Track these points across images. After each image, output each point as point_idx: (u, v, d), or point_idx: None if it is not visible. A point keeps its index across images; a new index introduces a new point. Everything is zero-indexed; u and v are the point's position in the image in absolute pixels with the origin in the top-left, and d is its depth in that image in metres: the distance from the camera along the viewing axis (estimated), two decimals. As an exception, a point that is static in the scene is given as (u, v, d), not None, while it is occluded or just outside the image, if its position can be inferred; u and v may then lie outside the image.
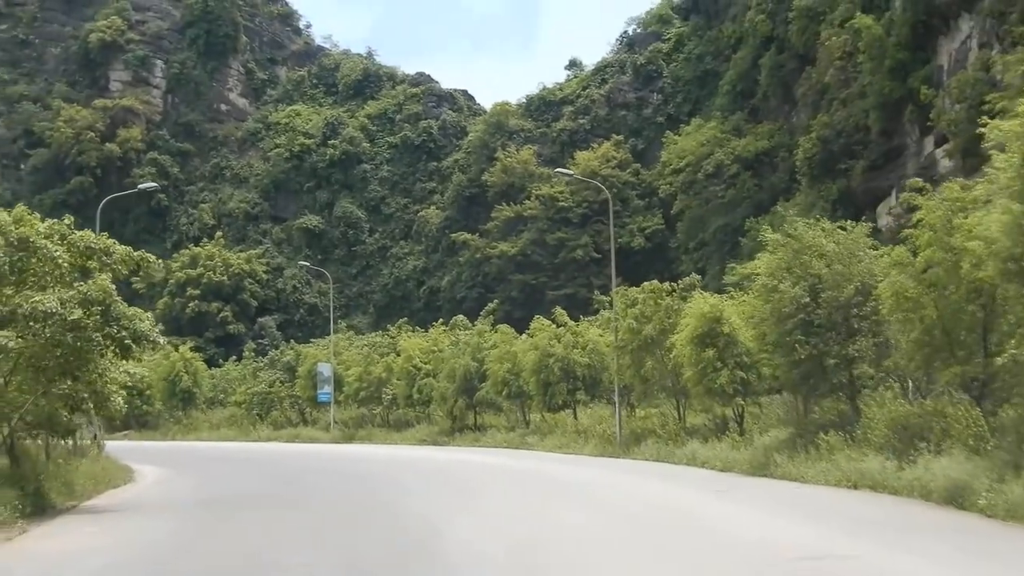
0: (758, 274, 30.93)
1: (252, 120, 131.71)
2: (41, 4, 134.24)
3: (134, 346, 24.89)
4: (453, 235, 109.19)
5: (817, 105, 75.62)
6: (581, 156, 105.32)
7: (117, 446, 58.63)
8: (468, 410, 57.58)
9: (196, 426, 77.24)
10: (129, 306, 27.11)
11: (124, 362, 27.21)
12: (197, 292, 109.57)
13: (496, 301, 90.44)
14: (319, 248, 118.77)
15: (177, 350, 79.55)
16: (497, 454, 46.63)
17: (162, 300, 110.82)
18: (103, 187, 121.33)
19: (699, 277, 54.48)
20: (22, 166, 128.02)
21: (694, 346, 35.02)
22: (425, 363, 60.47)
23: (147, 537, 20.56)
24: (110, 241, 26.25)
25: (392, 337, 72.09)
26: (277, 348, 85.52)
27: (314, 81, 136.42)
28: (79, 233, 25.38)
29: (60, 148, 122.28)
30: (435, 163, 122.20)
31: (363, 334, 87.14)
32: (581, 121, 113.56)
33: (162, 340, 27.14)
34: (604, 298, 62.32)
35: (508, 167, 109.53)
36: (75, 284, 24.29)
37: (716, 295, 38.37)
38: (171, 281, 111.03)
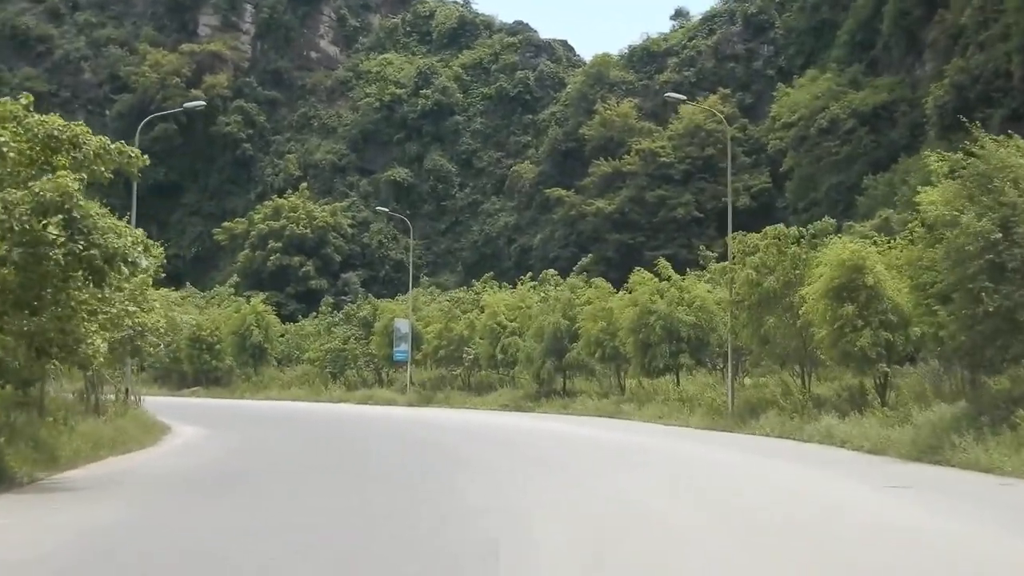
0: (920, 209, 24.36)
1: (342, 68, 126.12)
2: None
3: (107, 268, 18.65)
4: (547, 191, 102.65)
5: (949, 51, 68.61)
6: (685, 110, 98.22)
7: (176, 403, 54.51)
8: (556, 373, 51.49)
9: (267, 384, 72.03)
10: (131, 226, 21.44)
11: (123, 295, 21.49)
12: (279, 245, 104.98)
13: (590, 256, 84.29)
14: (407, 202, 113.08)
15: (249, 302, 74.60)
16: (588, 424, 40.63)
17: (243, 252, 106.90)
18: (188, 135, 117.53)
19: (832, 221, 47.36)
20: (107, 112, 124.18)
21: (829, 301, 28.60)
22: (511, 321, 54.52)
23: (67, 535, 14.10)
24: (80, 128, 20.10)
25: (476, 293, 66.21)
26: (355, 303, 79.93)
27: (407, 29, 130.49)
28: (39, 117, 19.39)
29: (145, 94, 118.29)
30: (530, 116, 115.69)
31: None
32: (686, 73, 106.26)
33: (145, 262, 20.34)
34: (711, 253, 55.76)
35: (607, 120, 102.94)
36: (29, 184, 18.24)
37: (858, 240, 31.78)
38: (253, 233, 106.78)
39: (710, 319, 42.69)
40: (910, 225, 27.77)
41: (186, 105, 61.43)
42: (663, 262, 46.32)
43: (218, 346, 73.33)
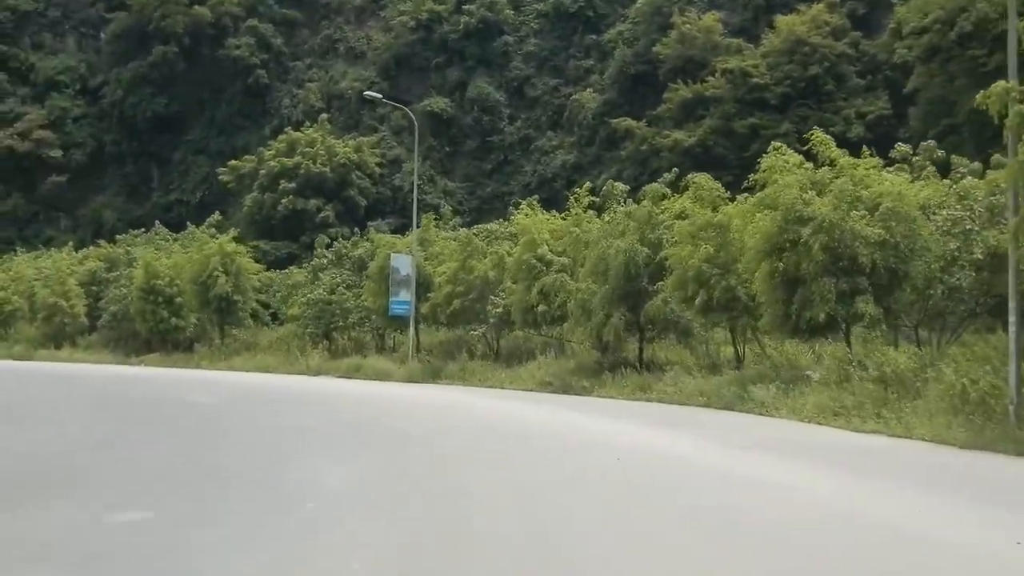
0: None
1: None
2: None
3: None
4: (614, 122, 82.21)
5: None
6: (783, 22, 78.58)
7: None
8: (629, 333, 32.07)
9: (237, 350, 53.39)
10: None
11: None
12: (292, 186, 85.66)
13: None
14: (447, 137, 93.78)
15: (214, 239, 55.68)
16: (698, 425, 21.90)
17: (250, 196, 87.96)
18: (192, 60, 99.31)
19: None
20: (101, 34, 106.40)
21: None
22: (558, 253, 35.25)
23: None
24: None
25: (507, 222, 46.91)
26: (349, 240, 60.51)
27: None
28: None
29: (142, 12, 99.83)
30: (593, 36, 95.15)
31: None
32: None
33: None
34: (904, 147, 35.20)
35: (686, 36, 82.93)
36: None
37: None
38: (262, 172, 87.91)
39: (911, 235, 23.09)
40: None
41: None
42: (820, 134, 26.22)
43: (179, 299, 54.88)
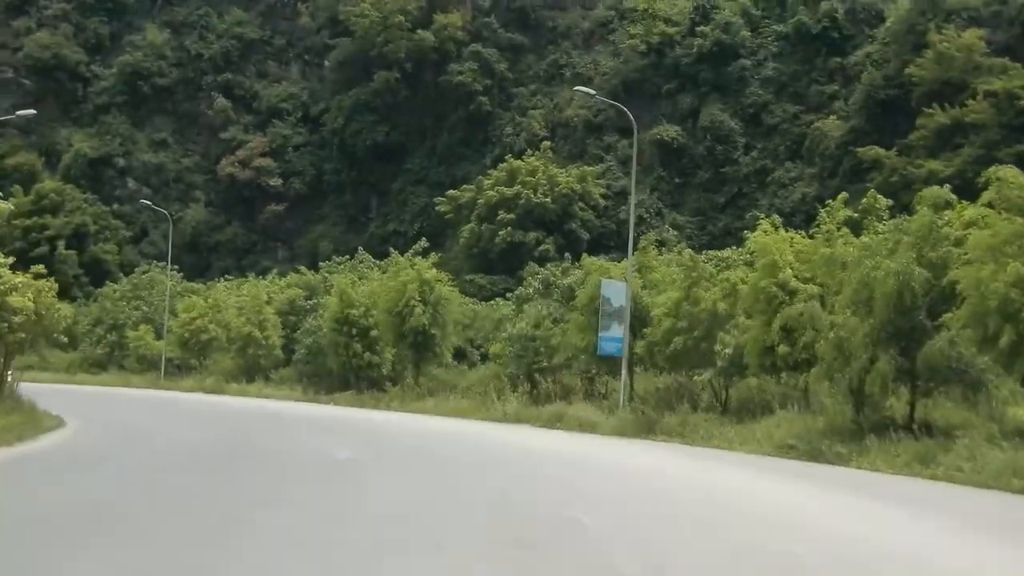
0: None
1: (602, 7, 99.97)
2: None
3: None
4: (860, 151, 73.45)
5: None
6: (1060, 37, 69.25)
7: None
8: (900, 382, 24.13)
9: (433, 391, 47.03)
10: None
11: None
12: (511, 217, 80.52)
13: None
14: (677, 168, 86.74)
15: (413, 267, 49.82)
16: None
17: (467, 227, 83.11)
18: (414, 87, 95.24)
19: None
20: (325, 62, 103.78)
21: None
22: (804, 279, 27.87)
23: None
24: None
25: (741, 248, 39.24)
26: (559, 266, 53.78)
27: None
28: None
29: (366, 37, 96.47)
30: (838, 59, 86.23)
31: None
32: (1059, -10, 75.90)
33: None
34: None
35: (943, 56, 73.92)
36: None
37: None
38: (480, 202, 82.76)
39: None
40: None
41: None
42: None
43: (373, 332, 49.21)
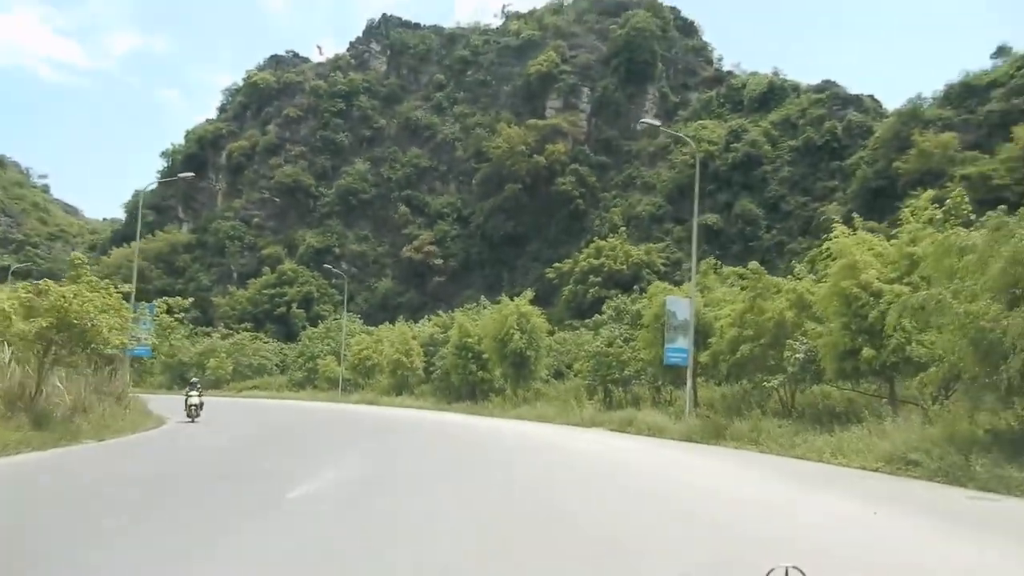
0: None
1: (663, 136, 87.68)
2: (498, 52, 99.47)
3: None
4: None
5: None
6: (1020, 131, 54.03)
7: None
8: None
9: (527, 399, 34.99)
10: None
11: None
12: (598, 279, 68.62)
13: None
14: (716, 243, 72.85)
15: (512, 300, 37.95)
16: None
17: (567, 288, 71.01)
18: (532, 194, 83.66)
19: None
20: (473, 181, 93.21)
21: None
22: (888, 280, 14.95)
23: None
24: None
25: (791, 276, 25.88)
26: (629, 296, 41.32)
27: (721, 100, 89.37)
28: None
29: (499, 161, 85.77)
30: (837, 162, 71.83)
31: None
32: (1016, 101, 60.23)
33: None
34: None
35: (924, 151, 59.45)
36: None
37: None
38: (576, 270, 70.77)
39: None
40: None
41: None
42: None
43: (485, 355, 37.46)
